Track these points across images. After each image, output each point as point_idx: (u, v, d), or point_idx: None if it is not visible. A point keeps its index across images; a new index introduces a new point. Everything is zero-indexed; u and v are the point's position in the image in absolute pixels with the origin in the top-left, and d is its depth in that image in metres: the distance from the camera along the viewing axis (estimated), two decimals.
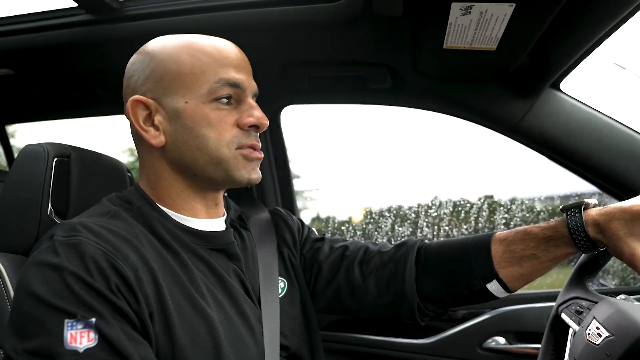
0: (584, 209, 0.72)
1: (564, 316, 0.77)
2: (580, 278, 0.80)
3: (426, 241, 0.87)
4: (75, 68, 1.15)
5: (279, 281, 0.83)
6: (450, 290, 0.81)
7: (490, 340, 1.23)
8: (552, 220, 0.75)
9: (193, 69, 0.70)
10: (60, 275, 0.57)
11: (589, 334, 0.71)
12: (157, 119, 0.71)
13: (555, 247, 0.73)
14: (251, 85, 0.74)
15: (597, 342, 0.68)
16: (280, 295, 0.81)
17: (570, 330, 0.76)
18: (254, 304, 0.75)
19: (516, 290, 0.80)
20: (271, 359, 0.73)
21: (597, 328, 0.71)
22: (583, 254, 0.80)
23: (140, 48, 0.75)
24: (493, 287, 0.78)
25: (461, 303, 0.84)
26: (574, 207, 0.72)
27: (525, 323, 1.21)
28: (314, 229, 0.99)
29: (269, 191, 1.39)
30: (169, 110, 0.70)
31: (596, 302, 0.73)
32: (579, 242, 0.71)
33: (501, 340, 1.23)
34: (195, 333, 0.64)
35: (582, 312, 0.75)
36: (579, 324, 0.73)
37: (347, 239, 0.95)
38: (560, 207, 0.75)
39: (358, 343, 1.33)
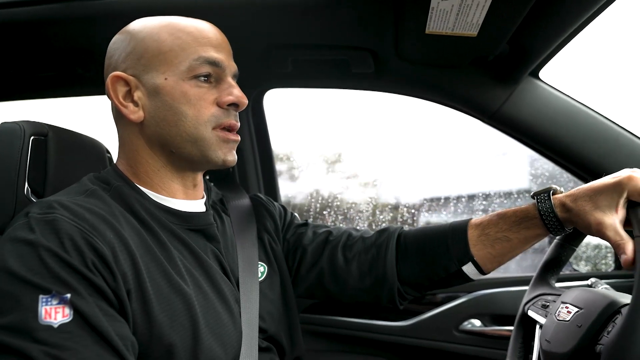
0: (552, 194, 0.76)
1: (530, 313, 0.80)
2: (544, 276, 0.84)
3: (405, 228, 0.91)
4: (54, 45, 1.12)
5: (259, 265, 0.84)
6: (428, 273, 0.85)
7: (466, 323, 1.27)
8: (523, 205, 0.80)
9: (173, 47, 0.71)
10: (35, 251, 0.57)
11: (558, 314, 0.74)
12: (137, 95, 0.71)
13: (526, 229, 0.78)
14: (231, 66, 0.75)
15: (568, 319, 0.71)
16: (260, 279, 0.82)
17: (537, 326, 0.79)
18: (232, 285, 0.76)
19: (489, 272, 0.83)
20: (249, 339, 0.74)
21: (566, 307, 0.74)
22: (548, 250, 0.85)
23: (121, 29, 0.76)
24: (468, 269, 0.82)
25: (438, 286, 0.87)
26: (543, 192, 0.77)
27: (500, 306, 1.25)
28: (296, 214, 1.00)
29: (251, 176, 1.39)
30: (148, 86, 0.71)
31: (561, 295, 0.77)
32: (549, 223, 0.75)
33: (477, 322, 1.26)
34: (172, 311, 0.64)
35: (548, 305, 0.78)
36: (545, 317, 0.76)
37: (329, 224, 0.97)
38: (531, 193, 0.79)
39: (337, 325, 1.35)
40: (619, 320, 0.61)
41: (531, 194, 0.78)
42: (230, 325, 0.71)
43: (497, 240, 0.80)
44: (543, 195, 0.76)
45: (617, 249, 0.66)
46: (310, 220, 0.99)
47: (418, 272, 0.86)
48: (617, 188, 0.69)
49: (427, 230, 0.87)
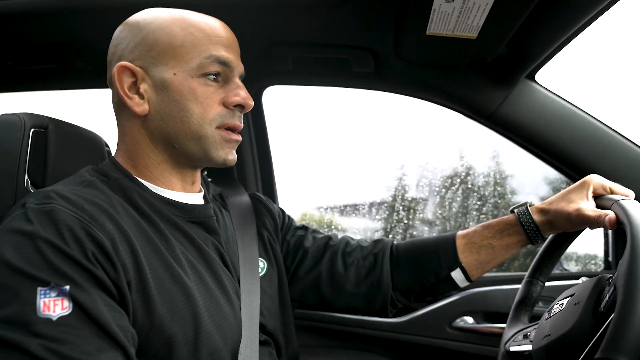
0: (529, 206, 0.86)
1: (512, 348, 0.81)
2: (518, 315, 0.87)
3: (397, 239, 0.99)
4: (54, 38, 1.11)
5: (259, 261, 0.85)
6: (419, 279, 0.90)
7: (459, 320, 1.29)
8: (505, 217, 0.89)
9: (184, 42, 0.70)
10: (33, 243, 0.56)
11: (551, 312, 0.75)
12: (143, 87, 0.71)
13: (508, 236, 0.86)
14: (239, 66, 0.75)
15: (563, 307, 0.72)
16: (260, 274, 0.83)
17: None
18: (233, 278, 0.76)
19: (475, 279, 0.90)
20: (249, 332, 0.74)
21: (558, 303, 0.75)
22: (518, 292, 0.89)
23: (128, 18, 0.74)
24: (456, 275, 0.88)
25: (427, 292, 0.93)
26: (521, 205, 0.87)
27: (493, 304, 1.27)
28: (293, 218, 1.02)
29: (249, 175, 1.39)
30: (156, 80, 0.70)
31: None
32: (528, 228, 0.84)
33: (469, 319, 1.29)
34: (173, 303, 0.64)
35: (529, 334, 0.79)
36: (531, 341, 0.77)
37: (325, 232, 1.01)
38: (510, 208, 0.88)
39: (332, 321, 1.36)
40: (615, 276, 0.61)
41: (510, 208, 0.88)
42: (231, 317, 0.71)
43: (483, 247, 0.87)
44: (521, 207, 0.86)
45: (599, 219, 0.74)
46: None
47: (410, 278, 0.91)
48: (584, 185, 0.81)
49: (416, 241, 0.94)
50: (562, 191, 0.83)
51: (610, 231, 0.85)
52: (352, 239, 0.97)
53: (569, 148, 1.10)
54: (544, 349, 0.70)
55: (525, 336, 0.80)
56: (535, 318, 0.85)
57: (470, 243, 0.88)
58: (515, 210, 0.86)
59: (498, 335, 0.92)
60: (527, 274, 0.89)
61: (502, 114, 1.11)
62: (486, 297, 1.28)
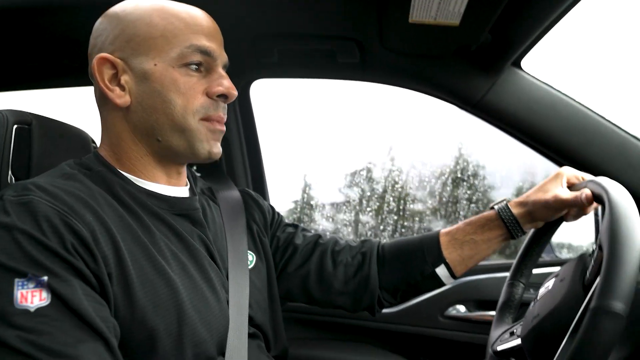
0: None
1: (500, 348, 0.81)
2: (502, 317, 0.88)
3: (382, 240, 1.01)
4: (40, 35, 1.10)
5: (248, 254, 0.85)
6: (405, 277, 0.92)
7: (451, 309, 1.30)
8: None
9: (164, 32, 0.69)
10: (10, 234, 0.55)
11: (538, 297, 0.76)
12: (124, 79, 0.69)
13: (489, 231, 0.88)
14: (222, 56, 0.74)
15: (549, 288, 0.73)
16: (249, 267, 0.83)
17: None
18: (219, 270, 0.76)
19: (459, 275, 0.92)
20: (238, 324, 0.74)
21: (544, 286, 0.76)
22: (502, 293, 0.92)
23: (108, 10, 0.74)
24: (441, 271, 0.90)
25: (413, 290, 0.95)
26: (500, 202, 0.90)
27: (484, 292, 1.28)
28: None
29: (239, 171, 1.39)
30: (137, 71, 0.69)
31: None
32: (508, 222, 0.87)
33: (461, 308, 1.29)
34: (156, 294, 0.63)
35: (515, 331, 0.80)
36: (518, 335, 0.77)
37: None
38: (490, 205, 0.92)
39: (323, 313, 1.36)
40: (599, 238, 0.63)
41: (489, 206, 0.92)
42: (217, 309, 0.71)
43: (465, 243, 0.89)
44: (500, 203, 0.89)
45: (576, 198, 0.79)
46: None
47: (397, 276, 0.92)
48: (558, 176, 0.86)
49: (401, 240, 0.96)
50: (537, 185, 0.87)
51: (600, 217, 0.86)
52: (340, 238, 0.98)
53: (556, 135, 1.10)
54: (533, 331, 0.70)
55: (512, 333, 0.80)
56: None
57: (453, 239, 0.90)
58: (495, 207, 0.89)
59: (490, 322, 0.93)
60: (508, 276, 0.90)
61: (488, 101, 1.10)
62: (477, 285, 1.28)
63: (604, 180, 0.73)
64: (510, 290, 0.88)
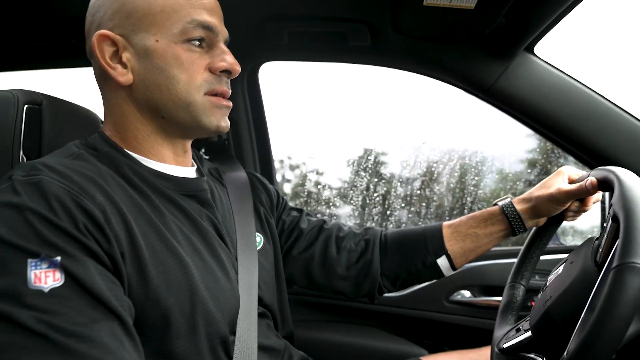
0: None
1: (506, 345, 0.80)
2: (505, 319, 0.88)
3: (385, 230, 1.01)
4: (47, 14, 1.09)
5: (256, 235, 0.85)
6: (407, 266, 0.94)
7: (456, 294, 1.31)
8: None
9: (164, 7, 0.68)
10: (21, 215, 0.54)
11: (548, 283, 0.76)
12: (125, 56, 0.68)
13: (492, 225, 0.91)
14: (223, 31, 0.73)
15: (560, 271, 0.74)
16: (257, 248, 0.83)
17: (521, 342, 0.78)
18: (229, 250, 0.76)
19: (459, 267, 0.94)
20: (248, 303, 0.74)
21: (555, 272, 0.76)
22: (503, 295, 0.91)
23: None
24: (442, 262, 0.92)
25: (413, 280, 0.96)
26: (504, 199, 0.92)
27: (489, 278, 1.29)
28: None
29: (247, 154, 1.38)
30: (138, 48, 0.68)
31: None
32: (511, 217, 0.89)
33: (467, 293, 1.31)
34: (168, 274, 0.63)
35: (520, 327, 0.79)
36: (525, 330, 0.77)
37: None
38: (494, 202, 0.94)
39: (329, 296, 1.37)
40: (611, 208, 0.63)
41: (493, 202, 0.94)
42: (228, 288, 0.72)
43: (467, 236, 0.91)
44: (504, 200, 0.91)
45: (581, 187, 0.81)
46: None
47: (398, 264, 0.94)
48: (559, 174, 0.88)
49: (404, 230, 0.97)
50: (539, 183, 0.90)
51: (607, 202, 0.86)
52: (344, 225, 0.99)
53: (568, 122, 1.09)
54: (545, 314, 0.69)
55: (518, 330, 0.80)
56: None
57: (456, 232, 0.92)
58: (499, 203, 0.91)
59: (494, 308, 0.94)
60: (509, 279, 0.91)
61: (500, 87, 1.09)
62: (482, 271, 1.29)
63: (608, 166, 0.74)
64: (511, 293, 0.89)
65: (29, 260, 0.53)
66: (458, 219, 0.94)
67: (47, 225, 0.55)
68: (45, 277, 0.53)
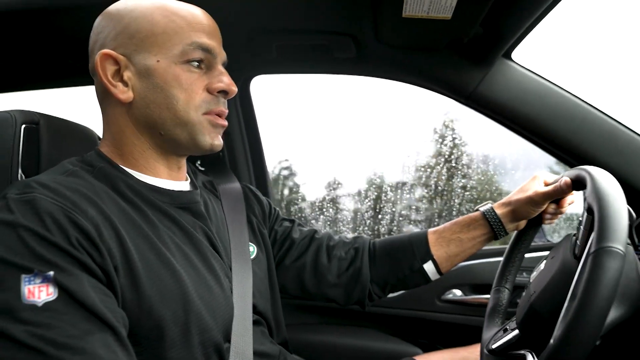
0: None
1: (495, 345, 0.82)
2: (492, 322, 0.90)
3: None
4: (45, 35, 1.11)
5: (249, 245, 0.88)
6: (395, 272, 0.97)
7: (447, 293, 1.34)
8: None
9: (166, 29, 0.71)
10: (14, 232, 0.56)
11: (531, 280, 0.78)
12: (127, 75, 0.71)
13: (474, 230, 0.95)
14: (222, 54, 0.77)
15: (542, 267, 0.76)
16: (251, 258, 0.86)
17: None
18: (222, 261, 0.78)
19: (445, 272, 0.98)
20: (242, 312, 0.76)
21: (537, 269, 0.79)
22: (490, 300, 0.94)
23: (108, 7, 0.75)
24: (428, 267, 0.96)
25: (401, 285, 0.99)
26: (485, 204, 0.97)
27: (478, 276, 1.32)
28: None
29: (242, 166, 1.41)
30: (139, 67, 0.71)
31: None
32: (492, 221, 0.93)
33: (458, 292, 1.34)
34: (162, 285, 0.64)
35: (507, 329, 0.81)
36: (513, 329, 0.79)
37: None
38: (475, 208, 0.98)
39: None
40: (586, 202, 0.67)
41: (474, 208, 0.98)
42: (221, 297, 0.73)
43: (452, 241, 0.95)
44: (485, 206, 0.96)
45: (556, 187, 0.86)
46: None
47: (386, 270, 0.97)
48: (535, 178, 0.92)
49: (392, 238, 1.01)
50: (517, 189, 0.95)
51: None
52: (334, 234, 1.02)
53: (546, 123, 1.13)
54: (530, 310, 0.71)
55: (505, 330, 0.82)
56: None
57: (440, 237, 0.96)
58: (481, 209, 0.96)
59: (484, 305, 0.97)
60: (494, 283, 0.94)
61: (481, 93, 1.13)
62: (472, 270, 1.32)
63: (580, 166, 0.78)
64: (497, 297, 0.92)
65: (23, 275, 0.54)
66: (442, 225, 0.98)
67: (40, 241, 0.56)
68: (39, 292, 0.54)
